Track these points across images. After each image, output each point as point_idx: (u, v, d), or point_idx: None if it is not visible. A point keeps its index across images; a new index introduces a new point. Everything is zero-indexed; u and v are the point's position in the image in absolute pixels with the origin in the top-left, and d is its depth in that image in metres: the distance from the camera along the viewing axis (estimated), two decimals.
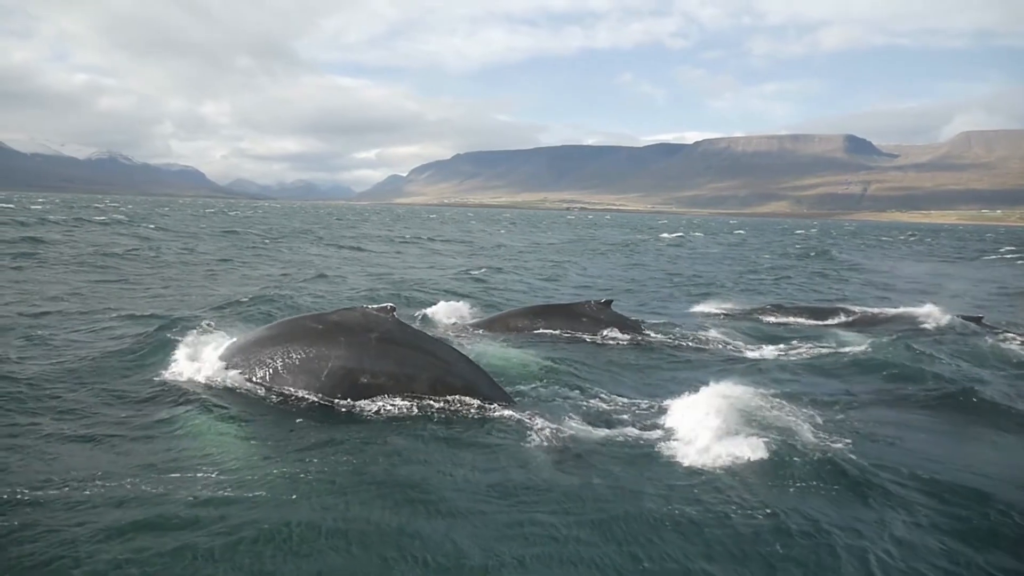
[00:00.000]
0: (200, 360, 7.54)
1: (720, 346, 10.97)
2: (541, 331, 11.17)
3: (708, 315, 14.45)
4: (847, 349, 10.37)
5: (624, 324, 11.46)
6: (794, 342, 11.23)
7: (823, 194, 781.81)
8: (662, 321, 13.18)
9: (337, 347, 6.86)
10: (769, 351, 10.57)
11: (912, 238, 79.32)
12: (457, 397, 6.76)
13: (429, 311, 12.36)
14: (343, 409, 6.57)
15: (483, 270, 22.14)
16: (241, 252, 27.66)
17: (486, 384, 7.01)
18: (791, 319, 13.68)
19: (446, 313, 12.30)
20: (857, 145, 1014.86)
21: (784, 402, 6.94)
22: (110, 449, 5.63)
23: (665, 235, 62.81)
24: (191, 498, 4.64)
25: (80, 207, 77.40)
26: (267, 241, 35.10)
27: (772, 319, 13.70)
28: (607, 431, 6.32)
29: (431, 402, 6.64)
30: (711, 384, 6.59)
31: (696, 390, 6.55)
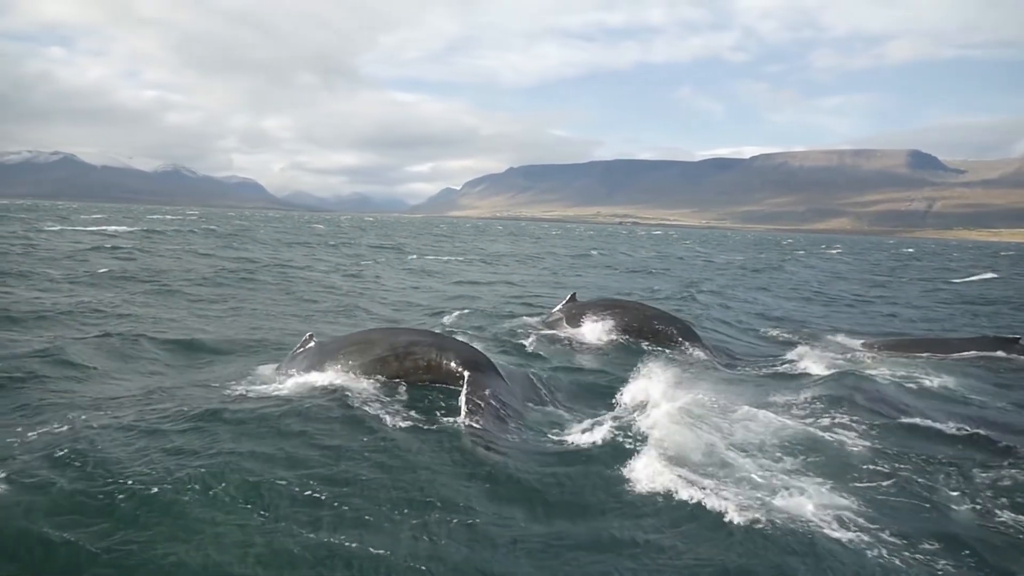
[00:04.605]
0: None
1: None
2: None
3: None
4: None
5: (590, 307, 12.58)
6: None
7: (885, 211, 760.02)
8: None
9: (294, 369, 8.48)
10: None
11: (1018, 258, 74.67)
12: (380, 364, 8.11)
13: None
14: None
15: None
16: (405, 273, 26.83)
17: (404, 336, 8.54)
18: None
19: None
20: (922, 160, 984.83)
21: None
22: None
23: (763, 255, 60.29)
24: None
25: (165, 220, 78.78)
26: (408, 257, 34.36)
27: None
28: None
29: (362, 382, 7.80)
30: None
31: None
